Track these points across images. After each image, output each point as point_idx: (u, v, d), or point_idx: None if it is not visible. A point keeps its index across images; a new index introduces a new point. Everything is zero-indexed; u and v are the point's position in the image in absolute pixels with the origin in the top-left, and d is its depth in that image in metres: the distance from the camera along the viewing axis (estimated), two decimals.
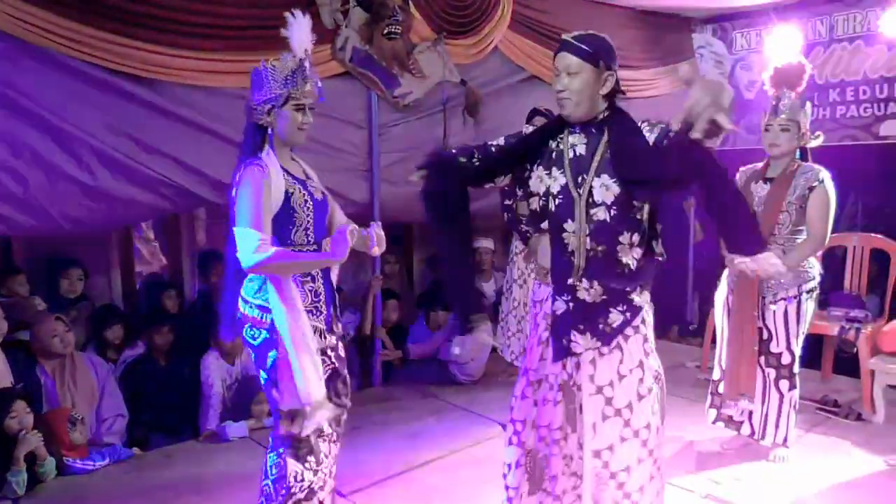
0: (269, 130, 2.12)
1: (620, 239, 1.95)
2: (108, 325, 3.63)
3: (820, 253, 3.09)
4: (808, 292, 2.95)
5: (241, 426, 3.39)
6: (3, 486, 2.73)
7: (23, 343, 3.30)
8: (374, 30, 3.68)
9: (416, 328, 4.48)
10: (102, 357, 3.57)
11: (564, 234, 1.97)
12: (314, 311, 2.12)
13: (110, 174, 3.00)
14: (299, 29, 2.18)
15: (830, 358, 4.16)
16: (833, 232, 2.97)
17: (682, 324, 5.64)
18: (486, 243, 4.76)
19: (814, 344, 3.95)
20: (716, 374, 3.16)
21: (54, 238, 3.59)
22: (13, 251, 3.83)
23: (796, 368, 2.98)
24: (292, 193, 2.08)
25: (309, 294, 2.11)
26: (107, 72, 2.91)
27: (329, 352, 2.20)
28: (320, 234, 2.17)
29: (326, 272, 2.19)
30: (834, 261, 4.26)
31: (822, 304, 3.96)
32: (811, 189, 2.87)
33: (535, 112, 3.99)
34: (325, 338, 2.17)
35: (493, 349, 4.22)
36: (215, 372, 3.52)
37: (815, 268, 2.98)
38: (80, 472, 2.98)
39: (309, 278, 2.12)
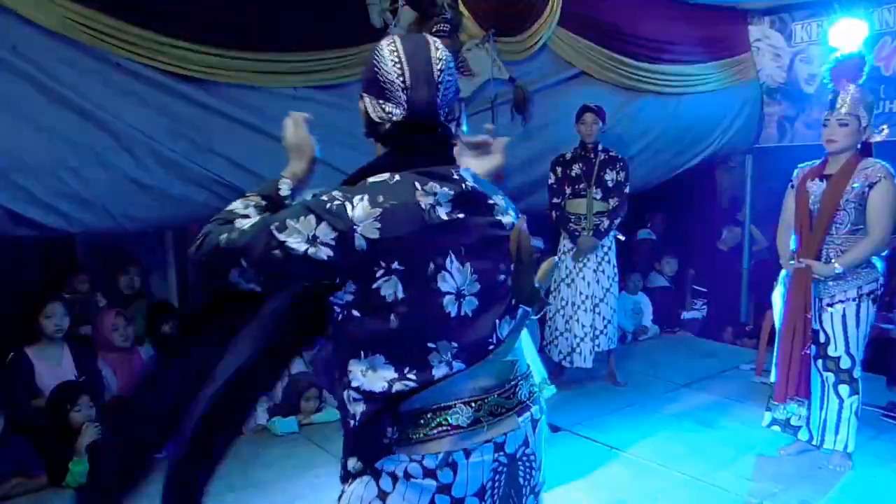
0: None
1: None
2: (165, 320, 3.74)
3: (885, 253, 2.95)
4: (867, 294, 2.82)
5: (290, 421, 3.44)
6: (65, 476, 2.84)
7: (85, 338, 3.43)
8: (423, 28, 3.68)
9: None
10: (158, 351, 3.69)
11: None
12: None
13: (166, 173, 3.09)
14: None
15: None
16: None
17: (736, 325, 5.48)
18: (535, 242, 4.71)
19: (881, 348, 3.78)
20: (773, 377, 3.05)
21: (114, 236, 3.72)
22: (76, 249, 3.98)
23: (857, 373, 2.86)
24: None
25: None
26: (164, 74, 3.00)
27: None
28: None
29: None
30: None
31: (889, 306, 3.79)
32: (871, 186, 2.74)
33: (584, 109, 3.94)
34: None
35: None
36: None
37: (877, 269, 2.85)
38: None
39: None
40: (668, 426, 3.48)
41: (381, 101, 1.26)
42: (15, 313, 3.28)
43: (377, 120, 1.27)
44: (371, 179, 1.24)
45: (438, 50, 1.29)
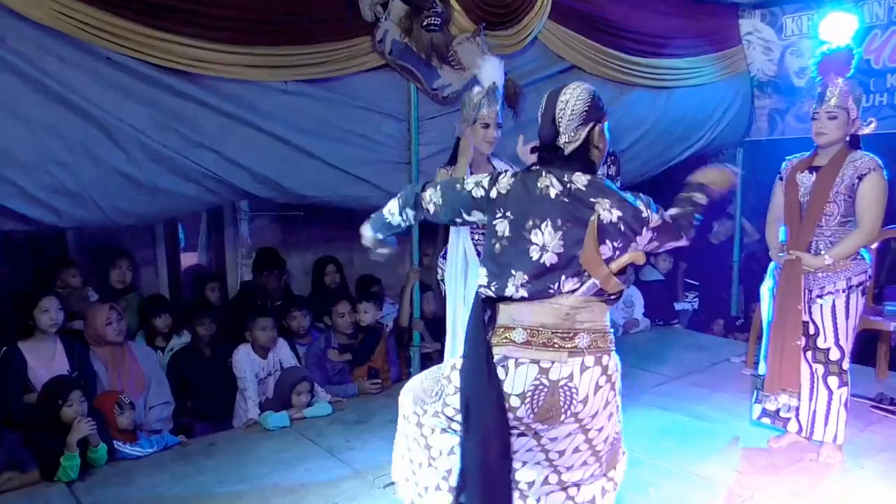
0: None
1: None
2: (158, 314, 3.74)
3: (875, 245, 2.97)
4: (857, 286, 2.84)
5: (282, 416, 3.44)
6: (57, 471, 2.83)
7: (77, 332, 3.42)
8: (414, 22, 3.68)
9: None
10: (150, 345, 3.68)
11: None
12: None
13: (157, 167, 3.07)
14: (489, 68, 2.92)
15: (886, 355, 4.00)
16: (889, 223, 2.86)
17: (727, 318, 5.51)
18: None
19: (869, 340, 3.82)
20: (762, 370, 3.08)
21: (104, 230, 3.70)
22: (67, 244, 3.96)
23: (846, 365, 2.88)
24: None
25: None
26: (154, 67, 2.97)
27: None
28: None
29: None
30: (890, 253, 4.09)
31: (878, 298, 3.82)
32: (860, 178, 2.77)
33: None
34: None
35: None
36: (246, 365, 3.59)
37: (865, 261, 2.87)
38: (130, 457, 3.08)
39: None
40: (659, 419, 3.50)
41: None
42: (6, 308, 3.26)
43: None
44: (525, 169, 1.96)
45: (564, 94, 1.92)
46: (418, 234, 4.14)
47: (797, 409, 2.98)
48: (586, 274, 1.83)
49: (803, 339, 2.89)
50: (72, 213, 2.96)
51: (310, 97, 3.42)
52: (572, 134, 1.88)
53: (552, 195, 1.84)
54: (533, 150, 2.02)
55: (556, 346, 1.82)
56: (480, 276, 1.92)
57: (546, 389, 1.82)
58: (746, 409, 3.24)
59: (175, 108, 3.07)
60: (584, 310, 1.85)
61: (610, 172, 3.94)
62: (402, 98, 3.79)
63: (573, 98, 1.89)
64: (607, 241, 1.82)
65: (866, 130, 2.89)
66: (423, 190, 2.03)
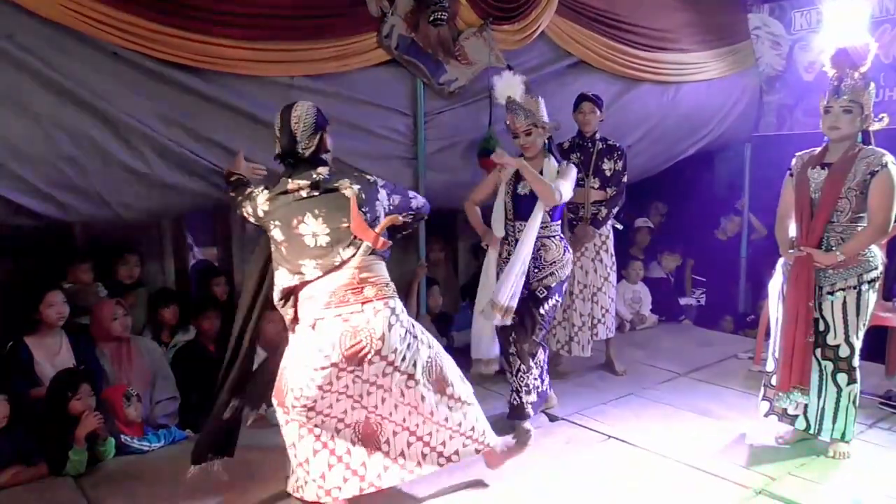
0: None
1: None
2: (166, 306, 3.74)
3: (885, 241, 2.95)
4: (868, 283, 2.82)
5: None
6: (65, 464, 2.84)
7: (83, 327, 3.43)
8: (420, 17, 3.67)
9: (460, 316, 4.46)
10: (157, 340, 3.69)
11: None
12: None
13: (163, 162, 3.07)
14: (500, 85, 3.21)
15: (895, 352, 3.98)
16: None
17: (735, 314, 5.49)
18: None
19: (878, 337, 3.79)
20: (769, 366, 3.06)
21: (111, 226, 3.71)
22: (76, 239, 3.97)
23: (856, 362, 2.86)
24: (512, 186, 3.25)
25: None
26: (160, 63, 2.97)
27: None
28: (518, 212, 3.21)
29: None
30: None
31: (888, 294, 3.79)
32: (873, 174, 2.74)
33: (582, 98, 3.92)
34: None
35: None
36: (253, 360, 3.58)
37: (876, 257, 2.85)
38: (137, 451, 3.09)
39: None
40: (667, 415, 3.49)
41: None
42: (14, 302, 3.27)
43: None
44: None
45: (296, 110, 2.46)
46: (426, 231, 4.13)
47: (805, 406, 2.97)
48: (358, 240, 2.36)
49: (813, 335, 2.87)
50: (78, 207, 2.97)
51: (316, 92, 3.41)
52: (307, 142, 2.42)
53: (303, 195, 2.37)
54: (275, 158, 2.48)
55: (350, 300, 2.34)
56: (280, 277, 2.42)
57: (349, 333, 2.32)
58: (754, 406, 3.22)
59: (182, 103, 3.07)
60: (366, 269, 2.38)
61: (616, 168, 3.93)
62: (408, 93, 3.78)
63: (303, 113, 2.42)
64: (361, 209, 2.36)
65: (878, 126, 2.86)
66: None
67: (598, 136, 3.95)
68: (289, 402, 2.39)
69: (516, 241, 3.15)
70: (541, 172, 3.13)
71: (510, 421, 3.22)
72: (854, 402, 2.89)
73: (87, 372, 3.08)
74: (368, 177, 2.51)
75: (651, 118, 4.79)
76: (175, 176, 3.13)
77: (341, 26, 3.43)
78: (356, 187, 2.40)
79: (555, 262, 3.20)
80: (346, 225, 2.36)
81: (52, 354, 3.18)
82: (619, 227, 4.18)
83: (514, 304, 3.06)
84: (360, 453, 2.45)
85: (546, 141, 3.24)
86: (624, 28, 4.52)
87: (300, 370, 2.36)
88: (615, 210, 3.96)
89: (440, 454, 2.57)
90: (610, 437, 3.23)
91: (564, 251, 3.26)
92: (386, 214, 2.49)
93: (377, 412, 2.47)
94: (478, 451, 2.68)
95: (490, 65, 3.90)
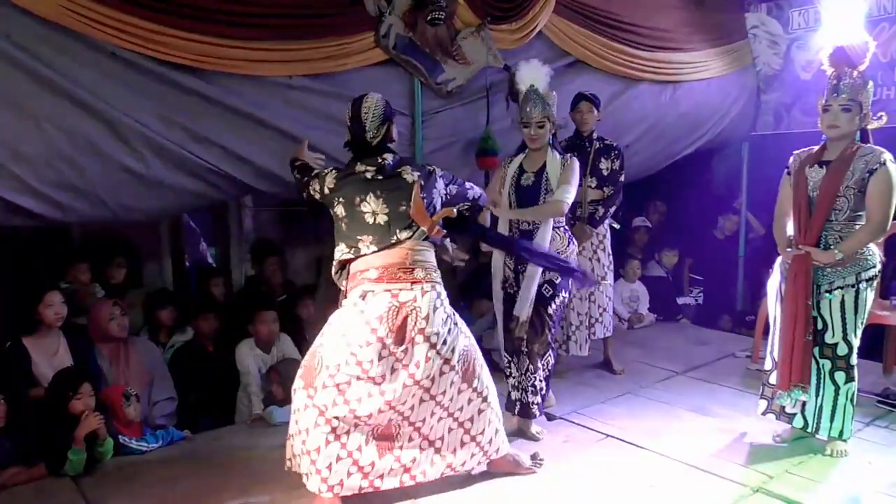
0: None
1: None
2: (163, 307, 3.74)
3: (882, 239, 2.95)
4: (867, 281, 2.83)
5: (286, 411, 3.44)
6: (64, 464, 2.84)
7: (81, 327, 3.43)
8: (418, 16, 3.67)
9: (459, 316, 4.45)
10: (154, 341, 3.69)
11: None
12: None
13: (161, 163, 3.07)
14: (525, 71, 3.29)
15: (893, 350, 3.98)
16: None
17: (732, 313, 5.50)
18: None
19: (876, 335, 3.80)
20: (767, 365, 3.07)
21: (109, 226, 3.71)
22: (74, 239, 3.97)
23: (854, 360, 2.87)
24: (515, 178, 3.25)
25: None
26: (159, 62, 2.97)
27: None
28: (522, 203, 3.21)
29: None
30: None
31: (885, 293, 3.80)
32: (871, 172, 2.74)
33: (580, 97, 3.93)
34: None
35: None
36: (249, 360, 3.60)
37: (874, 255, 2.86)
38: (136, 452, 3.09)
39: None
40: (664, 414, 3.50)
41: None
42: (12, 303, 3.27)
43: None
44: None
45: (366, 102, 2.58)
46: None
47: (803, 404, 2.97)
48: (415, 225, 2.50)
49: (812, 334, 2.87)
50: (76, 208, 2.97)
51: (314, 92, 3.42)
52: (375, 131, 2.54)
53: (368, 176, 2.51)
54: (345, 146, 2.63)
55: (401, 278, 2.46)
56: (338, 251, 2.57)
57: (397, 309, 2.44)
58: (751, 404, 3.23)
59: (180, 103, 3.07)
60: (418, 252, 2.51)
61: (614, 167, 3.93)
62: (405, 92, 3.78)
63: (373, 104, 2.55)
64: (420, 195, 2.49)
65: (876, 125, 2.87)
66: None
67: (595, 135, 3.95)
68: (318, 382, 2.43)
69: (520, 231, 3.18)
70: (544, 165, 3.18)
71: (508, 412, 3.23)
72: (852, 401, 2.90)
73: (86, 372, 3.08)
74: (428, 166, 2.64)
75: (649, 117, 4.80)
76: (173, 176, 3.13)
77: (339, 26, 3.43)
78: (416, 174, 2.53)
79: (559, 253, 3.21)
80: (404, 208, 2.49)
81: (49, 355, 3.17)
82: (617, 226, 4.18)
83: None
84: (371, 452, 2.47)
85: (550, 136, 3.26)
86: (622, 27, 4.53)
87: (341, 347, 2.43)
88: (612, 209, 3.97)
89: (449, 465, 2.61)
90: (608, 435, 3.23)
91: (569, 243, 3.25)
92: (443, 203, 2.62)
93: (399, 411, 2.49)
94: (486, 463, 2.71)
95: (488, 64, 3.90)
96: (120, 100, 2.91)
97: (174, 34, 2.96)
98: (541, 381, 3.19)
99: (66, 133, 2.83)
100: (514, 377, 3.24)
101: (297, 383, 2.54)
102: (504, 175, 3.29)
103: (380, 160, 2.53)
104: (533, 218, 3.14)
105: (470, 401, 2.61)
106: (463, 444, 2.62)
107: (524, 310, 3.09)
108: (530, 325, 3.15)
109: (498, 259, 3.25)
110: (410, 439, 2.54)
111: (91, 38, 2.80)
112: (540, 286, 3.17)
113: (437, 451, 2.58)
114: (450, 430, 2.60)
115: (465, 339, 2.61)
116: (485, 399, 2.64)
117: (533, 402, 3.18)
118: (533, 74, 3.24)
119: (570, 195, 3.12)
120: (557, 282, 3.18)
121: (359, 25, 3.49)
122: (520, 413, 3.22)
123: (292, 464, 2.59)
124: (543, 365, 3.19)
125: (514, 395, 3.24)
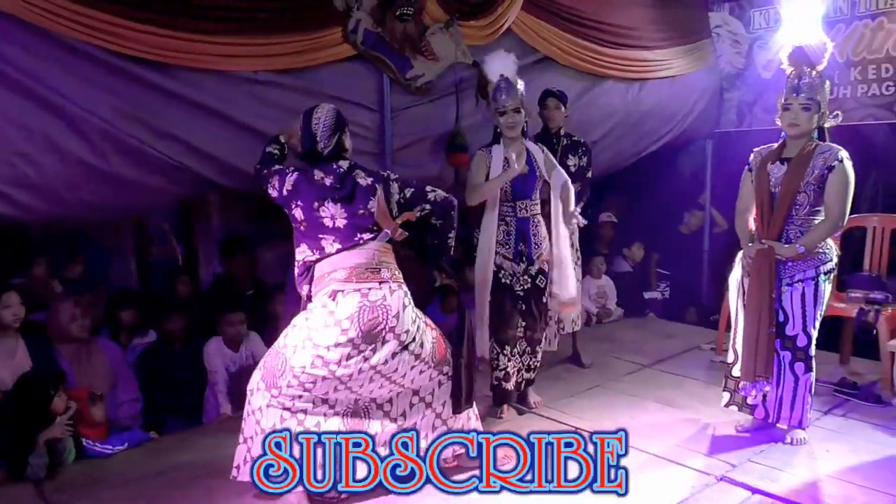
0: (497, 129, 3.34)
1: None
2: (124, 308, 3.67)
3: (838, 234, 3.04)
4: (825, 274, 2.91)
5: None
6: (24, 469, 2.77)
7: (38, 325, 3.33)
8: (387, 12, 3.64)
9: (430, 311, 4.45)
10: (115, 341, 3.61)
11: None
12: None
13: (123, 159, 3.01)
14: (493, 62, 3.38)
15: (849, 340, 4.11)
16: (852, 213, 2.92)
17: (698, 307, 5.60)
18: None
19: (832, 326, 3.90)
20: (730, 357, 3.13)
21: (71, 223, 3.62)
22: (30, 234, 3.86)
23: (812, 351, 2.95)
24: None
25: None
26: (120, 57, 2.90)
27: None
28: (515, 192, 3.30)
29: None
30: (853, 242, 4.19)
31: (841, 285, 3.91)
32: (829, 169, 2.82)
33: (547, 94, 3.95)
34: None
35: None
36: (217, 359, 3.56)
37: (832, 249, 2.94)
38: (99, 455, 3.03)
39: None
40: (632, 406, 3.55)
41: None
42: None
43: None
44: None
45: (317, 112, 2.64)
46: None
47: (764, 395, 3.04)
48: (377, 227, 2.56)
49: (774, 326, 2.94)
50: (35, 206, 2.89)
51: (281, 87, 3.37)
52: (326, 142, 2.59)
53: (327, 183, 2.54)
54: (297, 157, 2.67)
55: (369, 277, 2.49)
56: (301, 252, 2.58)
57: (367, 308, 2.45)
58: (715, 396, 3.30)
59: (142, 99, 3.00)
60: (383, 253, 2.56)
61: (581, 164, 3.97)
62: (375, 88, 3.76)
63: (324, 115, 2.60)
64: (372, 198, 2.55)
65: (832, 123, 2.95)
66: None
67: (563, 132, 3.98)
68: (283, 382, 2.47)
69: (516, 219, 3.30)
70: (527, 153, 3.31)
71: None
72: (810, 391, 2.98)
73: (61, 372, 3.04)
74: (382, 171, 2.72)
75: (616, 114, 4.85)
76: (136, 173, 3.06)
77: (306, 21, 3.39)
78: (370, 179, 2.59)
79: (543, 239, 3.37)
80: (362, 212, 2.54)
81: (6, 358, 3.08)
82: (584, 222, 4.22)
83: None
84: (332, 424, 2.55)
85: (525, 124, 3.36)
86: (588, 25, 4.57)
87: (307, 349, 2.45)
88: (580, 206, 4.00)
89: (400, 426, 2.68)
90: (577, 428, 3.27)
91: (549, 234, 3.40)
92: (400, 206, 2.64)
93: (371, 396, 2.59)
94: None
95: (457, 61, 3.90)
96: (80, 95, 2.84)
97: (136, 27, 2.88)
98: (537, 361, 3.43)
99: (24, 129, 2.74)
100: (501, 369, 3.30)
101: (256, 385, 2.54)
102: (489, 164, 3.30)
103: (335, 166, 2.58)
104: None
105: (440, 383, 2.71)
106: (412, 405, 2.70)
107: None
108: (529, 313, 3.33)
109: (488, 249, 3.28)
110: (383, 426, 2.63)
111: (50, 31, 2.72)
112: (534, 277, 3.29)
113: (387, 414, 2.67)
114: (424, 418, 2.70)
115: (431, 332, 2.69)
116: (447, 376, 2.73)
117: (533, 378, 3.46)
118: (501, 64, 3.32)
119: (564, 172, 3.44)
120: (546, 269, 3.36)
121: (326, 21, 3.46)
122: (524, 387, 3.46)
123: (239, 472, 2.56)
124: (539, 350, 3.43)
125: (506, 384, 3.38)
